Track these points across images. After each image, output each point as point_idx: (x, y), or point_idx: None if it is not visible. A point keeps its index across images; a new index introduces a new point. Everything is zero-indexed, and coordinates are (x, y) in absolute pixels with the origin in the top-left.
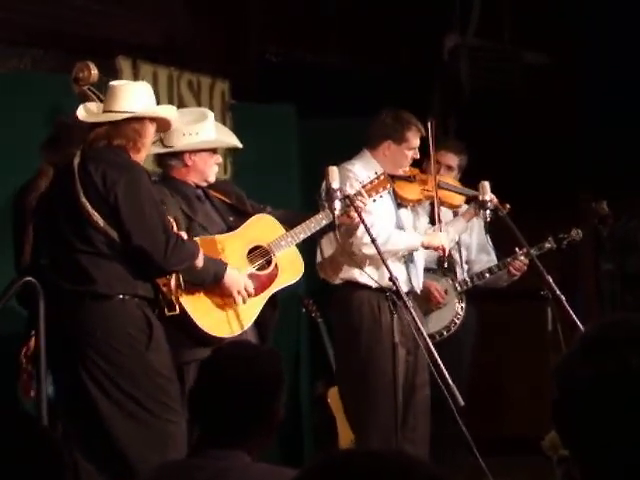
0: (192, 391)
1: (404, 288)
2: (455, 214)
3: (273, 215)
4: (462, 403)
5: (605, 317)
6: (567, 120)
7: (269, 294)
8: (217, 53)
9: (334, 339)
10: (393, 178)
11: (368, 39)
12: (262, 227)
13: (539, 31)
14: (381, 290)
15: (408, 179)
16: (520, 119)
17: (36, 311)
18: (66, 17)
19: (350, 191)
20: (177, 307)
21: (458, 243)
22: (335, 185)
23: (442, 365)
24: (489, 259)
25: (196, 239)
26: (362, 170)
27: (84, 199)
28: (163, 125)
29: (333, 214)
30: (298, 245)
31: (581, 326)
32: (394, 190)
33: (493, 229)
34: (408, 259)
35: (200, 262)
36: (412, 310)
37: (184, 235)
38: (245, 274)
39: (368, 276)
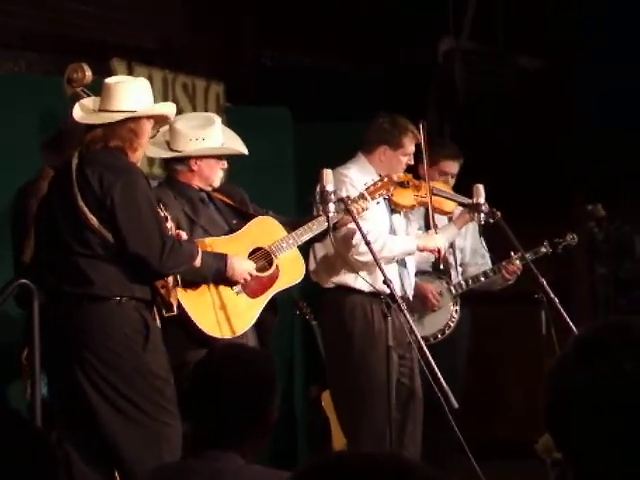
0: (186, 393)
1: (398, 293)
2: (450, 220)
3: (274, 218)
4: (456, 406)
5: (599, 320)
6: (562, 123)
7: (270, 295)
8: (212, 56)
9: (325, 342)
10: None
11: (363, 43)
12: (264, 229)
13: (533, 34)
14: (374, 294)
15: (402, 185)
16: (515, 122)
17: (31, 312)
18: (61, 20)
19: (345, 194)
20: (175, 308)
21: (452, 246)
22: (329, 188)
23: (436, 368)
24: (483, 262)
25: (197, 241)
26: (357, 174)
27: (81, 202)
28: (161, 121)
29: (327, 217)
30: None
31: (575, 329)
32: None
33: (488, 233)
34: (401, 264)
35: (198, 262)
36: (406, 313)
37: (184, 235)
38: (246, 257)
39: (362, 280)
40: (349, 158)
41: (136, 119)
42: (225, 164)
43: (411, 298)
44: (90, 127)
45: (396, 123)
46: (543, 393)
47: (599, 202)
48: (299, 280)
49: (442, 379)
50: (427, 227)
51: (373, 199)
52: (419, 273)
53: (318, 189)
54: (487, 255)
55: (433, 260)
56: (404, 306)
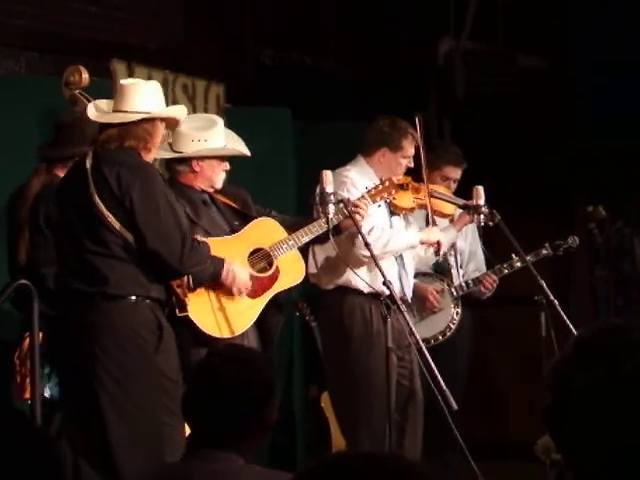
0: (186, 393)
1: (397, 294)
2: (451, 220)
3: (277, 219)
4: (455, 407)
5: (598, 322)
6: (563, 124)
7: (270, 296)
8: (213, 56)
9: (324, 343)
10: None
11: (363, 43)
12: (264, 230)
13: (533, 35)
14: (373, 295)
15: (401, 187)
16: (515, 123)
17: (30, 313)
18: (61, 20)
19: (345, 196)
20: (188, 308)
21: (454, 248)
22: (329, 189)
23: (435, 369)
24: (478, 265)
25: None
26: (357, 176)
27: (98, 201)
28: (172, 124)
29: (327, 218)
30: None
31: (574, 331)
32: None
33: (488, 235)
34: (400, 266)
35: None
36: (406, 314)
37: (198, 237)
38: (246, 263)
39: (362, 281)
40: (350, 158)
41: (150, 120)
42: (227, 165)
43: (410, 300)
44: (104, 127)
45: (396, 125)
46: (543, 394)
47: (600, 204)
48: (299, 281)
49: (441, 381)
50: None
51: (374, 202)
52: (420, 274)
53: (318, 190)
54: (482, 261)
55: (433, 261)
56: (403, 307)
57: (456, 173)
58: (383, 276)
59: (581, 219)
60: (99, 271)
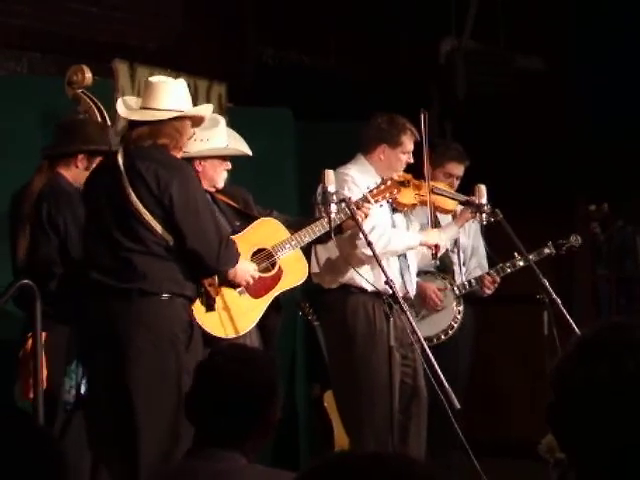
0: (189, 393)
1: (399, 293)
2: (454, 217)
3: (279, 219)
4: (458, 406)
5: (601, 321)
6: (564, 124)
7: (273, 296)
8: (214, 56)
9: (328, 342)
10: None
11: (365, 43)
12: (266, 230)
13: (533, 35)
14: (376, 294)
15: (402, 184)
16: (517, 122)
17: (33, 313)
18: (63, 20)
19: (348, 194)
20: (215, 306)
21: (457, 246)
22: (331, 188)
23: (438, 368)
24: (477, 265)
25: None
26: (358, 174)
27: (135, 199)
28: (197, 122)
29: (329, 218)
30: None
31: (577, 330)
32: None
33: (490, 234)
34: (402, 263)
35: None
36: (408, 313)
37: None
38: (248, 259)
39: (365, 280)
40: (351, 158)
41: (180, 118)
42: (229, 165)
43: (413, 297)
44: (134, 124)
45: (394, 121)
46: (545, 393)
47: (601, 203)
48: (302, 281)
49: (444, 379)
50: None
51: (376, 202)
52: (422, 273)
53: (320, 190)
54: (484, 258)
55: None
56: (406, 306)
57: (459, 170)
58: (385, 275)
59: (582, 218)
60: (136, 268)
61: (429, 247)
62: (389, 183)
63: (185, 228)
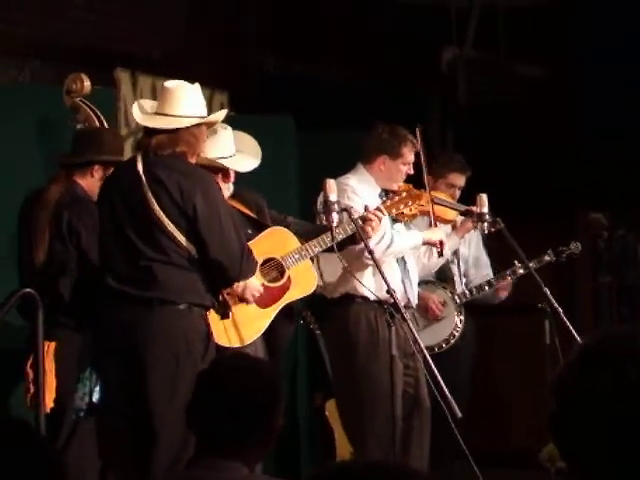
0: (191, 402)
1: (401, 302)
2: (454, 228)
3: (293, 225)
4: (459, 415)
5: (602, 330)
6: (564, 132)
7: (280, 306)
8: (216, 64)
9: (330, 352)
10: (387, 194)
11: (366, 51)
12: (276, 239)
13: (534, 44)
14: (378, 303)
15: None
16: (517, 131)
17: (35, 322)
18: (65, 29)
19: (348, 204)
20: (230, 315)
21: (457, 256)
22: (333, 197)
23: (440, 377)
24: (487, 272)
25: None
26: (358, 184)
27: (158, 208)
28: (210, 127)
29: (331, 227)
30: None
31: (579, 338)
32: None
33: (491, 242)
34: (404, 273)
35: None
36: (410, 322)
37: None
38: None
39: (367, 289)
40: (353, 167)
41: (198, 124)
42: (231, 178)
43: (415, 306)
44: (152, 131)
45: (395, 132)
46: (547, 402)
47: (602, 211)
48: (311, 292)
49: (445, 389)
50: None
51: (390, 213)
52: (422, 283)
53: (321, 199)
54: (489, 267)
55: (436, 268)
56: (407, 315)
57: (461, 180)
58: (387, 284)
59: (583, 226)
60: (156, 277)
61: (433, 244)
62: (404, 194)
63: (209, 239)
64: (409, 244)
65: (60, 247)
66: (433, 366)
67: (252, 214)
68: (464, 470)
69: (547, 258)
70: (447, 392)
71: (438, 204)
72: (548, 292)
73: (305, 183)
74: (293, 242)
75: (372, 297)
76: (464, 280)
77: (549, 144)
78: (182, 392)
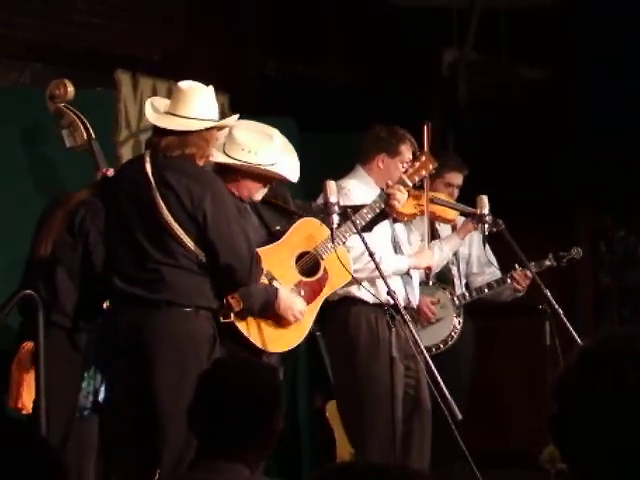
0: (192, 404)
1: (402, 303)
2: (454, 229)
3: (318, 211)
4: (460, 417)
5: (603, 332)
6: (565, 135)
7: (322, 299)
8: (217, 67)
9: (331, 353)
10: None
11: (367, 53)
12: (307, 232)
13: (535, 46)
14: (378, 305)
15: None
16: (518, 133)
17: (35, 323)
18: (65, 31)
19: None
20: (232, 316)
21: (456, 257)
22: (333, 199)
23: (440, 379)
24: (490, 272)
25: None
26: (356, 186)
27: (167, 212)
28: (221, 130)
29: (331, 229)
30: None
31: (579, 340)
32: None
33: (491, 244)
34: (404, 275)
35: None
36: (410, 324)
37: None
38: (295, 294)
39: (366, 291)
40: (351, 169)
41: (209, 128)
42: (269, 185)
43: (416, 307)
44: (162, 131)
45: (392, 131)
46: (547, 404)
47: (602, 213)
48: (349, 279)
49: (446, 390)
50: (432, 237)
51: (413, 182)
52: (422, 283)
53: (322, 200)
54: (495, 265)
55: (437, 269)
56: (408, 317)
57: (458, 179)
58: (387, 286)
59: (584, 229)
60: (164, 280)
61: (422, 269)
62: (424, 158)
63: (218, 244)
64: (395, 268)
65: (69, 242)
66: (433, 367)
67: (279, 203)
68: (464, 471)
69: (547, 263)
70: (447, 394)
71: (438, 204)
72: (549, 293)
73: (306, 185)
74: (324, 231)
75: (372, 300)
76: (464, 281)
77: (549, 145)
78: (188, 394)
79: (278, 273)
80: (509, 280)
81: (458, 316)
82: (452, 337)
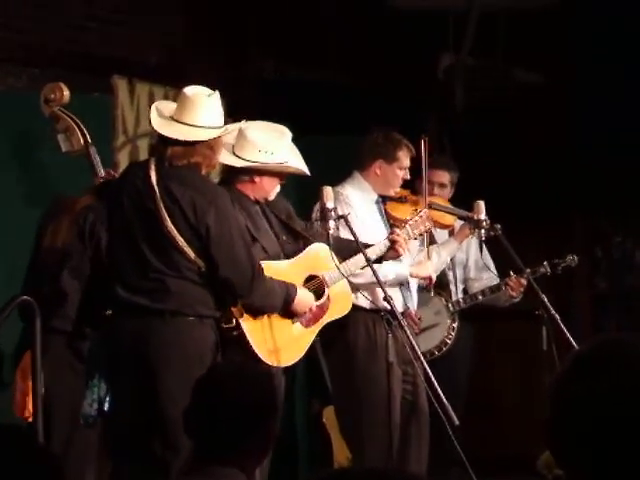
0: (187, 409)
1: (399, 309)
2: (451, 234)
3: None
4: (457, 422)
5: (599, 337)
6: (562, 139)
7: (321, 326)
8: (214, 71)
9: (328, 359)
10: (384, 199)
11: (365, 57)
12: (319, 257)
13: (532, 51)
14: (376, 311)
15: (399, 200)
16: (515, 138)
17: (32, 329)
18: (63, 35)
19: (340, 212)
20: (234, 320)
21: (453, 262)
22: (330, 205)
23: (437, 384)
24: (488, 277)
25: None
26: (353, 192)
27: (170, 224)
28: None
29: (327, 234)
30: None
31: (576, 345)
32: (386, 211)
33: (489, 249)
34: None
35: (280, 303)
36: (407, 329)
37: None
38: (301, 286)
39: (364, 297)
40: (348, 174)
41: (216, 137)
42: (284, 180)
43: (413, 312)
44: (168, 139)
45: (390, 137)
46: (544, 408)
47: (601, 218)
48: (346, 312)
49: (443, 395)
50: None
51: (414, 236)
52: (418, 289)
53: (318, 206)
54: (492, 270)
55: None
56: (404, 322)
57: (444, 177)
58: (384, 291)
59: (581, 234)
60: (169, 289)
61: (422, 279)
62: (423, 214)
63: (219, 257)
64: (394, 276)
65: (79, 248)
66: (430, 373)
67: (284, 219)
68: (461, 477)
69: (542, 270)
70: (444, 399)
71: (436, 209)
72: (545, 299)
73: (303, 189)
74: (332, 260)
75: (369, 306)
76: (461, 287)
77: (546, 150)
78: (183, 401)
79: None
80: (503, 287)
81: (453, 322)
82: (446, 343)
